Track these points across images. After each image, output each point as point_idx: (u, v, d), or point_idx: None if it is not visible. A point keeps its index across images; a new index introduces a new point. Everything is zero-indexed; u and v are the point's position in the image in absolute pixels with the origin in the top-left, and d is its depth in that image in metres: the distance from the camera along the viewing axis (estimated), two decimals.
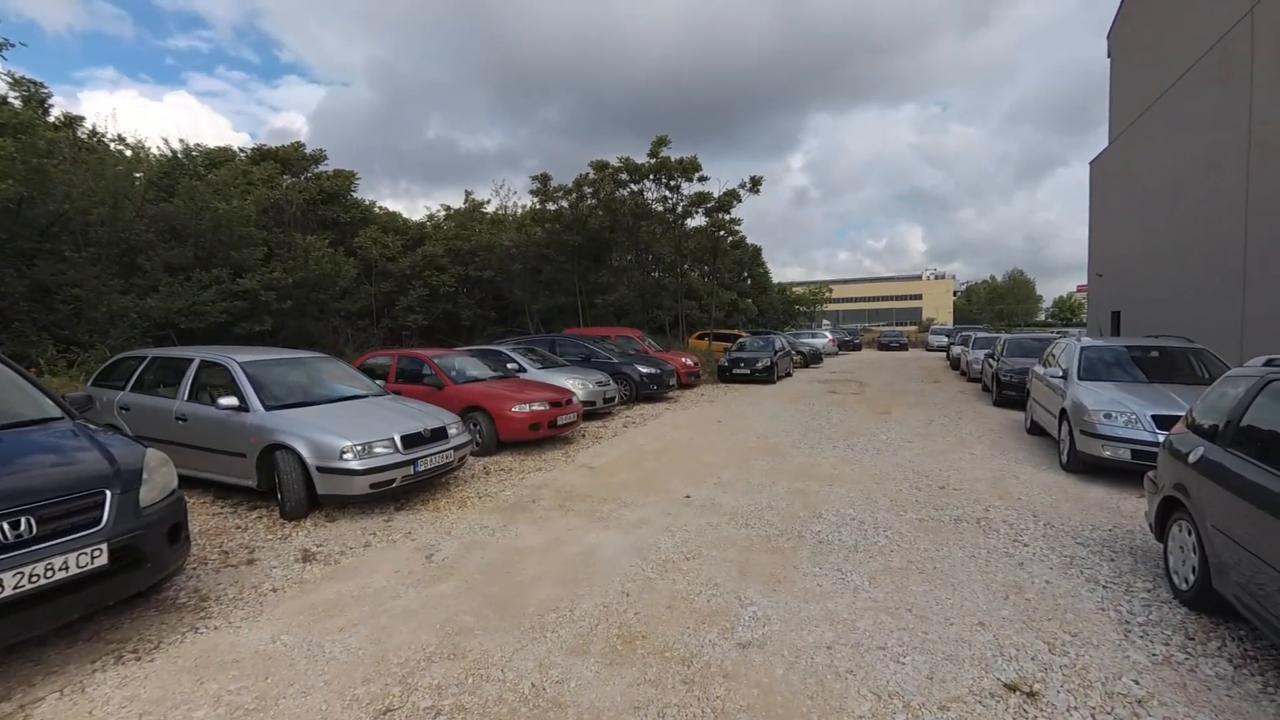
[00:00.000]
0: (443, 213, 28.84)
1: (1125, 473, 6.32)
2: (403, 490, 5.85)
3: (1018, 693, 2.81)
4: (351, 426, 5.62)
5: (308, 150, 24.79)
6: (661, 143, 22.91)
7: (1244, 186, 13.11)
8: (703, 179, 23.33)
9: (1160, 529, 4.09)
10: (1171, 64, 17.02)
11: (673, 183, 23.42)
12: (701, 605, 3.73)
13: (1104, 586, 3.96)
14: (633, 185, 23.71)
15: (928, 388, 16.58)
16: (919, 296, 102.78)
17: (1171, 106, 17.05)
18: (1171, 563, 3.85)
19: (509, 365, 10.79)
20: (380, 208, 28.23)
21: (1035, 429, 8.88)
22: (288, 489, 5.40)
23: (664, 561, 4.43)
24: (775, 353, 18.18)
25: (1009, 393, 11.92)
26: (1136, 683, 2.89)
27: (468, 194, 33.26)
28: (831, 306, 72.47)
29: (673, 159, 22.89)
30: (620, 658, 3.14)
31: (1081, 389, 6.91)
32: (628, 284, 28.11)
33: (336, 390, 6.66)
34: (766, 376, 17.37)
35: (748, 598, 3.82)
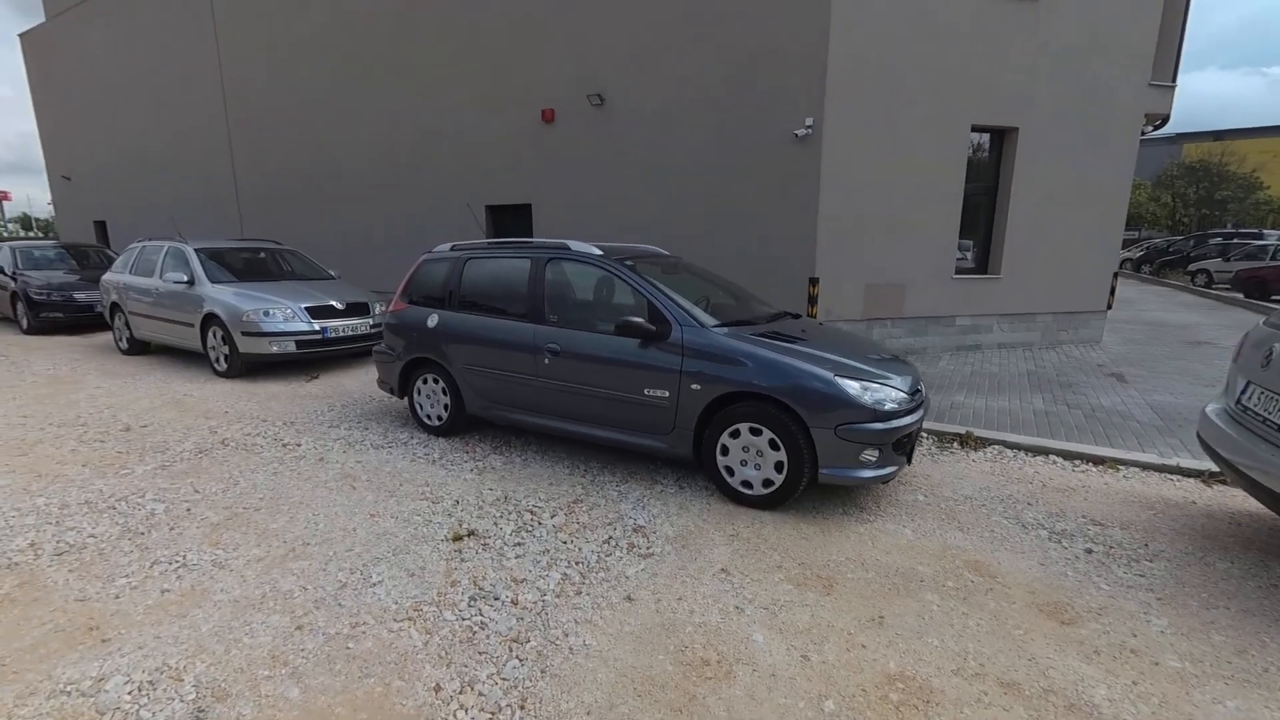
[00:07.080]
0: None
1: (290, 364, 6.98)
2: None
3: (466, 538, 3.18)
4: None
5: None
6: None
7: (221, 102, 12.98)
8: None
9: (404, 388, 4.91)
10: None
11: None
12: None
13: (388, 446, 4.55)
14: None
15: None
16: None
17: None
18: (422, 409, 4.81)
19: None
20: None
21: (138, 347, 7.92)
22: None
23: None
24: None
25: (54, 314, 9.45)
26: (466, 478, 3.96)
27: None
28: None
29: None
30: None
31: (221, 291, 6.72)
32: None
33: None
34: None
35: None
